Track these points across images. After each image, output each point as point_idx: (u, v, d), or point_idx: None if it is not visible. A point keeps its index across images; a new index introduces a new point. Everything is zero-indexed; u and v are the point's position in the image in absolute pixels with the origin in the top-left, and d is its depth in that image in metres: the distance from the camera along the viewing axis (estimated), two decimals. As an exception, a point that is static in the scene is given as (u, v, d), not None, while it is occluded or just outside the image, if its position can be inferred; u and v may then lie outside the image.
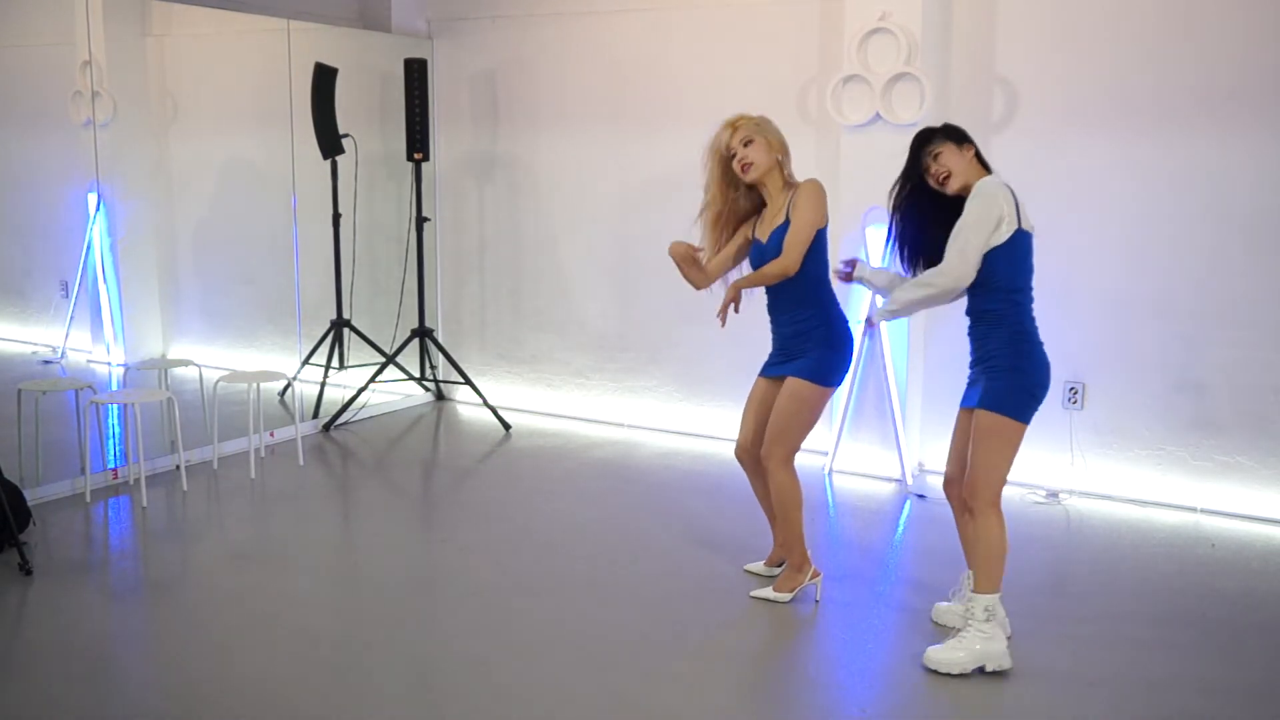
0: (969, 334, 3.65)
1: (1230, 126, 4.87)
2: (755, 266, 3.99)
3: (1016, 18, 5.25)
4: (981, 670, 3.46)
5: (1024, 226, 3.49)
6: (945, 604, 3.90)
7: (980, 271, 3.48)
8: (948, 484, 3.78)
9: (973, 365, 3.64)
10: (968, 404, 3.62)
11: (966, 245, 3.45)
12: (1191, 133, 4.97)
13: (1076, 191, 5.23)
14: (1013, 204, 3.48)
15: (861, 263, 3.97)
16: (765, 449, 4.02)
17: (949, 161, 3.59)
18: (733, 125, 3.94)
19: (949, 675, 3.46)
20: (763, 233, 4.00)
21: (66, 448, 5.42)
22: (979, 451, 3.51)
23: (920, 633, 3.82)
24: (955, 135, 3.64)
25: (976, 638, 3.47)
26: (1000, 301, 3.53)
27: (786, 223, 3.88)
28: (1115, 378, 5.24)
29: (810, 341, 3.94)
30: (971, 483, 3.53)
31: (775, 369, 4.07)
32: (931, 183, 3.63)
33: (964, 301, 3.61)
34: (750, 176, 3.95)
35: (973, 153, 3.65)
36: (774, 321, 4.06)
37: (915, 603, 4.07)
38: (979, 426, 3.51)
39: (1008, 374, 3.52)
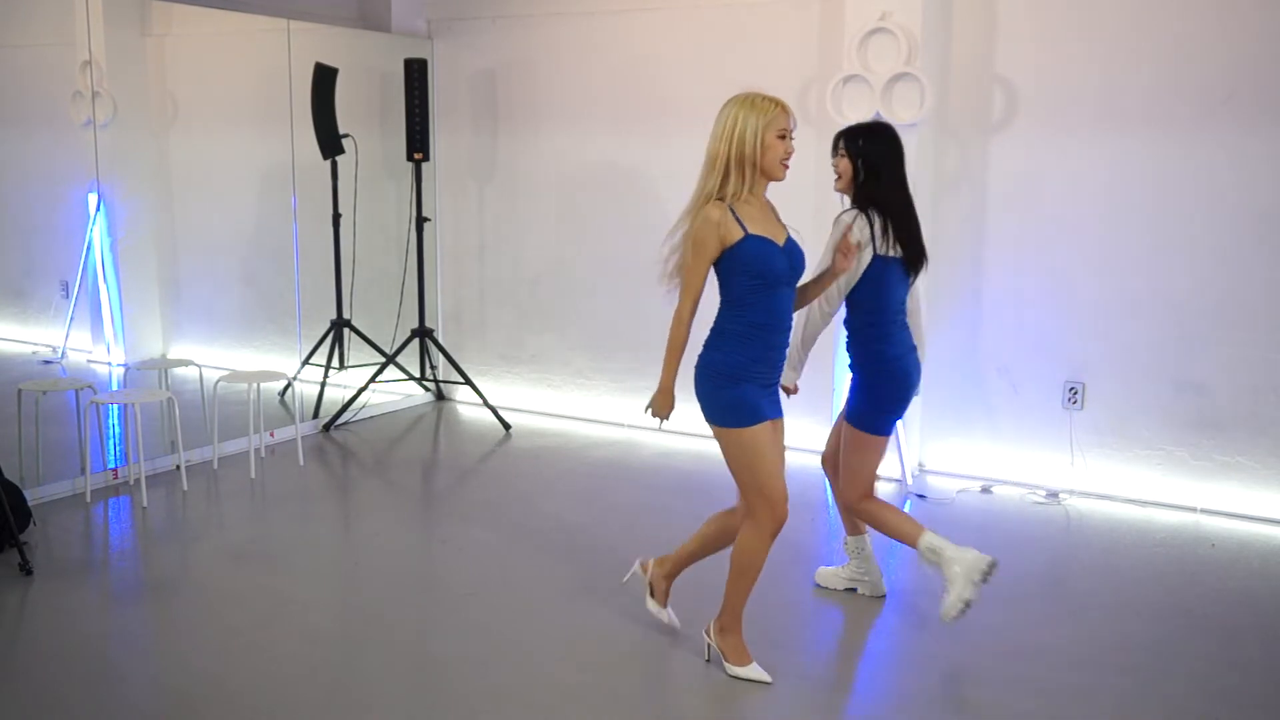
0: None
1: (1229, 126, 4.87)
2: (784, 274, 3.35)
3: (1016, 18, 5.25)
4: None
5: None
6: (829, 569, 4.24)
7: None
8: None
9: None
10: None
11: None
12: (1191, 133, 4.96)
13: (1075, 190, 5.23)
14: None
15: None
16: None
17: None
18: (783, 105, 3.31)
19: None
20: (775, 234, 3.38)
21: (66, 448, 5.42)
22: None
23: (921, 633, 3.82)
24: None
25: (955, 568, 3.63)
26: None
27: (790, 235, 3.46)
28: (1115, 378, 5.24)
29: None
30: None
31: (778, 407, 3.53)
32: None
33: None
34: (783, 178, 3.38)
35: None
36: (778, 345, 3.41)
37: (915, 603, 4.07)
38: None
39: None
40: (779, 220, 3.45)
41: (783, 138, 3.27)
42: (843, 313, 3.90)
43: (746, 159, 3.24)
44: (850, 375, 3.91)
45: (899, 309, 3.84)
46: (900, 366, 3.82)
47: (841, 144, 3.83)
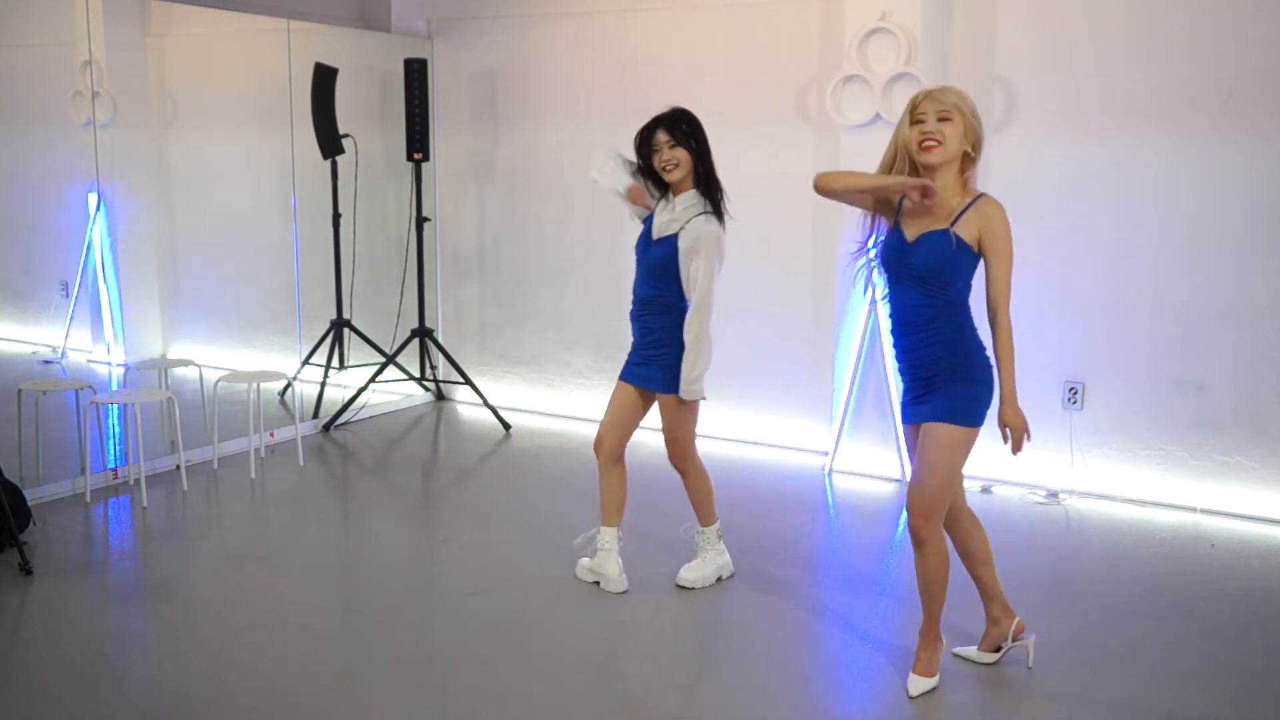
0: (642, 319, 4.05)
1: (1229, 126, 4.87)
2: (890, 262, 3.34)
3: (1016, 18, 5.25)
4: (719, 579, 4.24)
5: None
6: (587, 561, 4.27)
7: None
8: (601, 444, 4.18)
9: (646, 348, 4.06)
10: (647, 385, 4.07)
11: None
12: (1191, 133, 4.96)
13: (1076, 191, 5.23)
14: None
15: None
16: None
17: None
18: (930, 92, 3.30)
19: (700, 589, 4.17)
20: (910, 229, 3.31)
21: (66, 448, 5.42)
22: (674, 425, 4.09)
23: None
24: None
25: (714, 558, 4.23)
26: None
27: (945, 232, 3.23)
28: (1115, 378, 5.24)
29: (947, 374, 3.32)
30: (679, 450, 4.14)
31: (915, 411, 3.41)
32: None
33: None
34: (934, 159, 3.24)
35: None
36: (904, 348, 3.38)
37: (915, 603, 4.06)
38: (664, 407, 4.06)
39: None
40: (961, 212, 3.23)
41: (920, 122, 3.24)
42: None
43: (901, 150, 3.30)
44: (663, 350, 4.00)
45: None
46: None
47: (667, 135, 3.91)
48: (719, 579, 4.25)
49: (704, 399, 3.99)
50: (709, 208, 3.92)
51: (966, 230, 3.22)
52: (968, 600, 3.74)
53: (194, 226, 6.54)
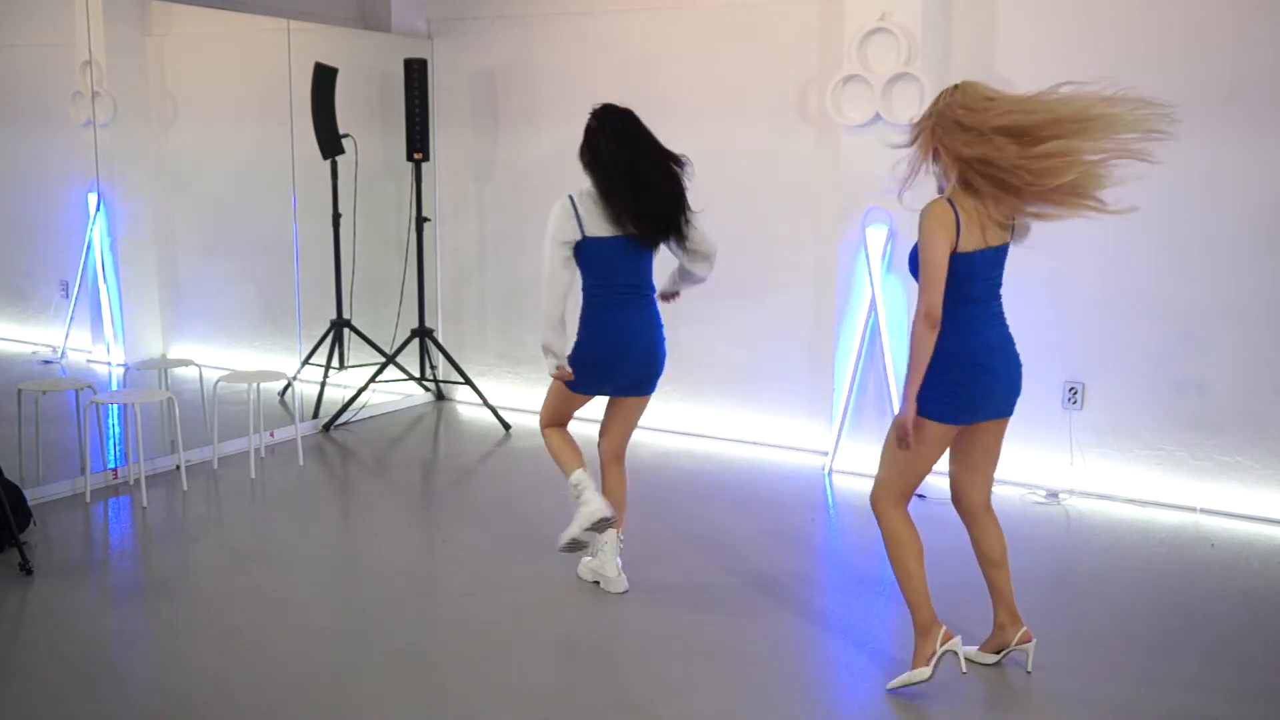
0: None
1: (1229, 127, 4.87)
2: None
3: (1016, 18, 5.25)
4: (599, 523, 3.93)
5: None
6: (588, 560, 4.23)
7: None
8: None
9: None
10: None
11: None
12: (1190, 133, 4.93)
13: (1076, 191, 5.23)
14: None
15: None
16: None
17: None
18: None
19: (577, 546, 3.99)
20: None
21: (66, 448, 5.42)
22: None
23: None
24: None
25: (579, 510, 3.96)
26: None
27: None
28: (1115, 378, 5.24)
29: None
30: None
31: None
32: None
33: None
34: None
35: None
36: None
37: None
38: None
39: None
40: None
41: None
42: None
43: None
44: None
45: (624, 285, 4.08)
46: (613, 338, 4.09)
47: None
48: (591, 525, 3.93)
49: (551, 375, 4.14)
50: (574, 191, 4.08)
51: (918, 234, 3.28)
52: (970, 600, 3.75)
53: (194, 226, 6.54)
